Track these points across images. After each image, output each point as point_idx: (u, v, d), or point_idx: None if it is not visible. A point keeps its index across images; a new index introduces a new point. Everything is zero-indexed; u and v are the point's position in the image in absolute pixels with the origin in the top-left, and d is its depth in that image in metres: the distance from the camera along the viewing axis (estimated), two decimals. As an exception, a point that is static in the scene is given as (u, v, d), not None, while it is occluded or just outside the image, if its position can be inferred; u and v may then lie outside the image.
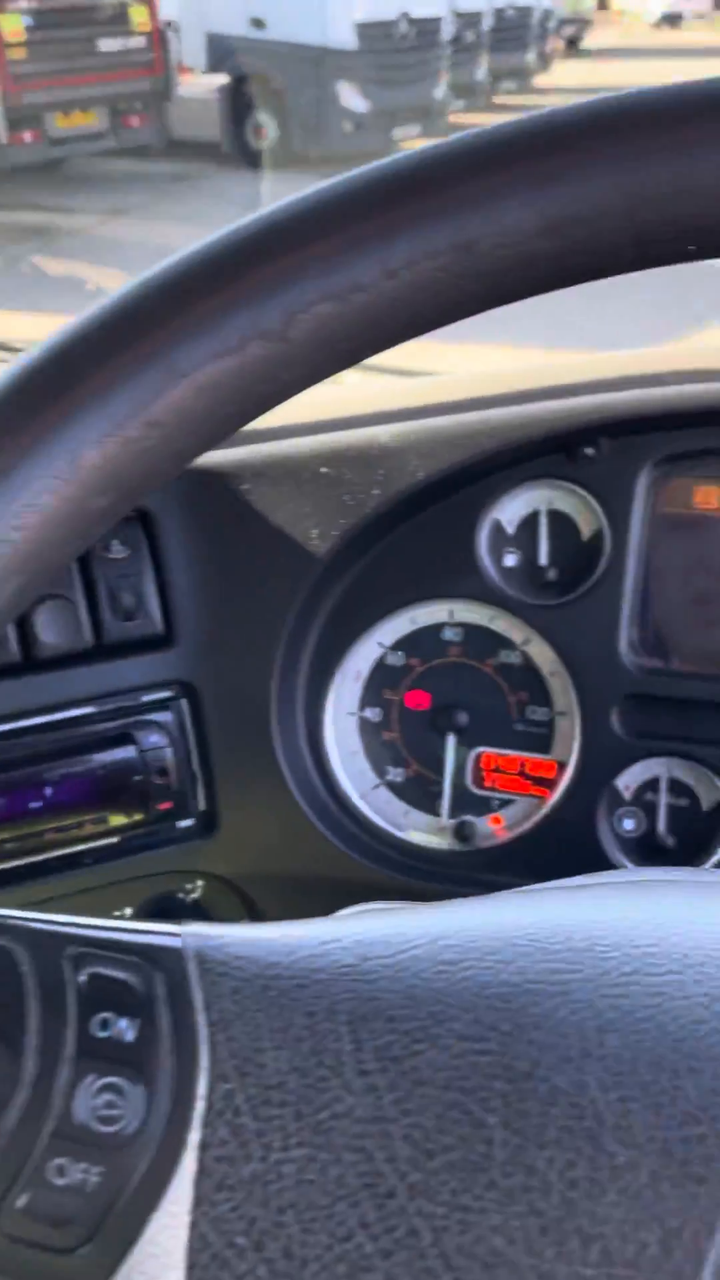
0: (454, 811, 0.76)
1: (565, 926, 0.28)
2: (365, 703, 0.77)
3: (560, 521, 0.72)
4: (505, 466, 0.70)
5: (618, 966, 0.27)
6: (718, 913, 0.29)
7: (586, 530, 0.72)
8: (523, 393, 0.69)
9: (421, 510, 0.71)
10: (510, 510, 0.73)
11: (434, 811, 0.76)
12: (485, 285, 0.33)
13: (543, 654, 0.73)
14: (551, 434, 0.67)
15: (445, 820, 0.76)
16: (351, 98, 7.32)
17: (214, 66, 7.65)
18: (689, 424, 0.67)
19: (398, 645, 0.76)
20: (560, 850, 0.73)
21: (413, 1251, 0.23)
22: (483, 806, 0.75)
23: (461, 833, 0.75)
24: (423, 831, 0.76)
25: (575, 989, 0.26)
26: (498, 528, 0.73)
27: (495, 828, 0.75)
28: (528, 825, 0.74)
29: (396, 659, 0.76)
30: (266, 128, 7.55)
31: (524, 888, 0.35)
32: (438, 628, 0.75)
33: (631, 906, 0.29)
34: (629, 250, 0.32)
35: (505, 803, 0.75)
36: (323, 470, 0.68)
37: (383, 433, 0.68)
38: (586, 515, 0.71)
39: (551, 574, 0.72)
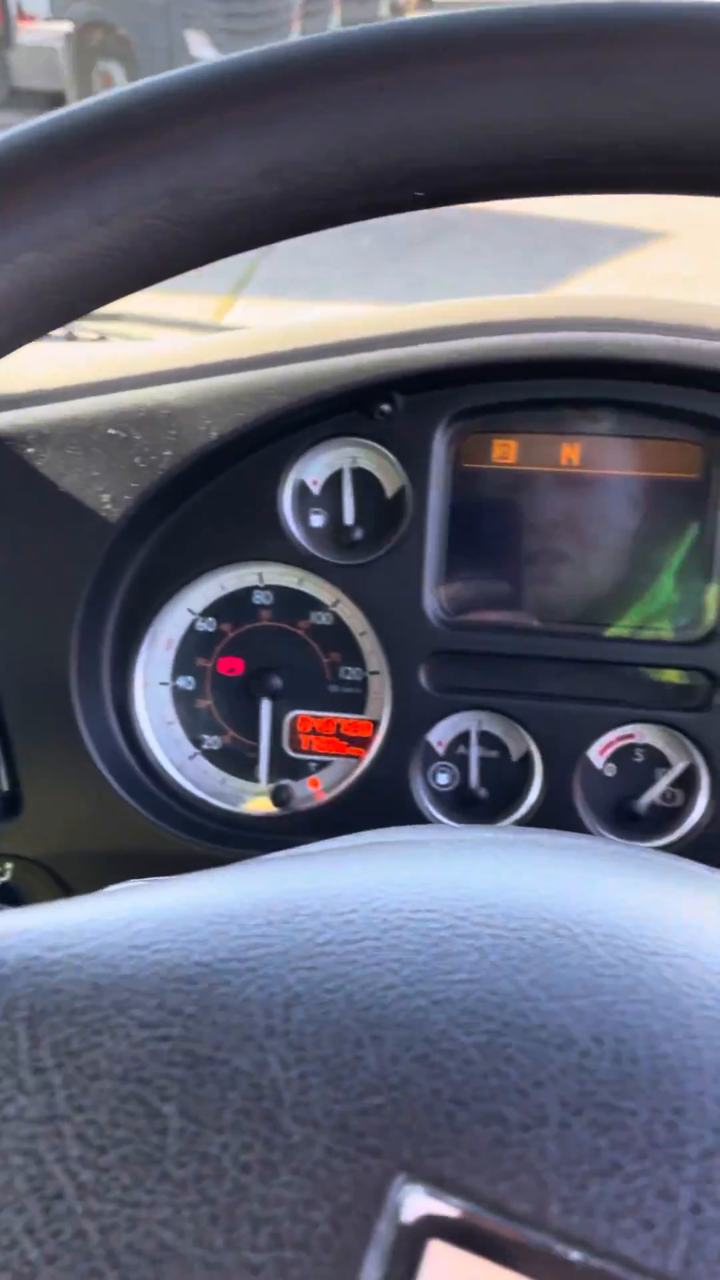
0: (272, 776, 0.75)
1: (269, 899, 0.27)
2: (178, 671, 0.75)
3: (365, 480, 0.71)
4: (303, 425, 0.69)
5: (313, 937, 0.26)
6: (429, 873, 0.28)
7: (390, 488, 0.71)
8: (315, 349, 0.67)
9: (220, 471, 0.69)
10: (314, 469, 0.71)
11: (252, 777, 0.75)
12: (208, 234, 0.31)
13: (353, 614, 0.72)
14: (345, 390, 0.66)
15: (263, 785, 0.75)
16: (201, 48, 7.11)
17: (57, 13, 7.30)
18: (483, 378, 0.67)
19: (208, 611, 0.74)
20: (378, 808, 0.73)
21: (78, 1254, 0.22)
22: (300, 770, 0.75)
23: (279, 797, 0.74)
24: (241, 799, 0.75)
25: (267, 964, 0.25)
26: (302, 488, 0.72)
27: (314, 790, 0.75)
28: (345, 785, 0.74)
29: (208, 625, 0.74)
30: (114, 77, 7.27)
31: (260, 857, 0.34)
32: (248, 592, 0.73)
33: (343, 872, 0.29)
34: (356, 196, 0.31)
35: (323, 764, 0.74)
36: (110, 432, 0.66)
37: (172, 392, 0.66)
38: (389, 473, 0.71)
39: (358, 533, 0.71)
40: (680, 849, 0.69)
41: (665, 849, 0.69)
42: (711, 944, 0.26)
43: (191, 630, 0.74)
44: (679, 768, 0.70)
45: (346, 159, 0.30)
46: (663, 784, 0.71)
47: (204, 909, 0.27)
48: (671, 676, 0.69)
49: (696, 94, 0.28)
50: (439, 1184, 0.21)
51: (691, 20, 0.28)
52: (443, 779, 0.73)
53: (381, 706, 0.72)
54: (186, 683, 0.75)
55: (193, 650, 0.74)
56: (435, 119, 0.29)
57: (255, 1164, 0.22)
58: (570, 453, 0.69)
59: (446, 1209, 0.21)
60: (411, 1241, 0.21)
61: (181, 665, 0.75)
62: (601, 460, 0.69)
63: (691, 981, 0.24)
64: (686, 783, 0.70)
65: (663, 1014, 0.24)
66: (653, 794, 0.71)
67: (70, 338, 1.00)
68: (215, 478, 0.70)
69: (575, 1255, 0.20)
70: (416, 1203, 0.21)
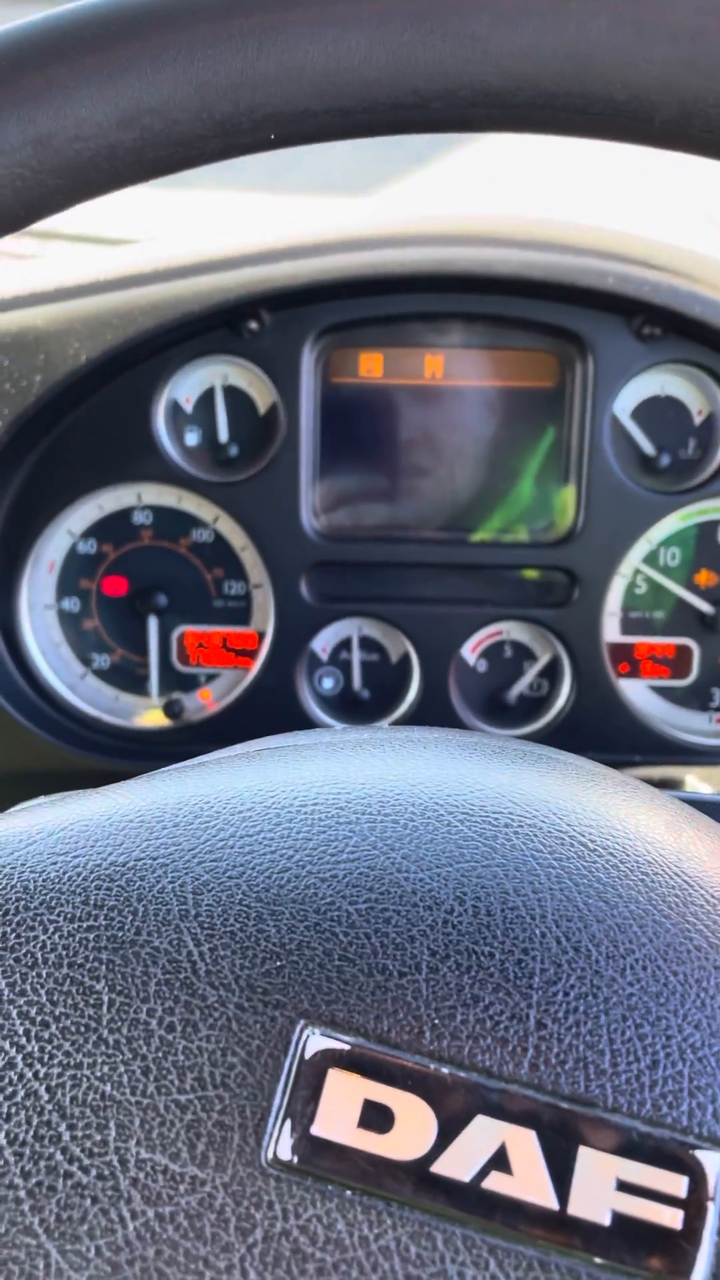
0: (163, 690, 0.77)
1: (174, 804, 0.31)
2: (62, 594, 0.76)
3: (237, 397, 0.73)
4: (173, 344, 0.70)
5: (217, 833, 0.29)
6: (313, 772, 0.32)
7: (262, 404, 0.73)
8: (182, 268, 0.68)
9: (92, 393, 0.70)
10: (186, 388, 0.73)
11: (144, 693, 0.78)
12: (70, 180, 0.32)
13: (233, 530, 0.74)
14: (213, 309, 0.67)
15: (155, 700, 0.78)
16: None
17: None
18: (347, 294, 0.69)
19: (88, 533, 0.75)
20: (267, 715, 0.77)
21: (31, 1110, 0.25)
22: (190, 683, 0.78)
23: (171, 710, 0.77)
24: (134, 714, 0.78)
25: (176, 859, 0.29)
26: (175, 406, 0.73)
27: (205, 701, 0.78)
28: (235, 695, 0.77)
29: (89, 547, 0.75)
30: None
31: (168, 767, 0.37)
32: (127, 512, 0.75)
33: (239, 775, 0.32)
34: (213, 140, 0.33)
35: (212, 676, 0.77)
36: (-22, 358, 0.65)
37: (38, 315, 0.66)
38: (260, 389, 0.72)
39: (233, 450, 0.73)
40: (547, 734, 0.75)
41: (533, 735, 0.76)
42: (554, 812, 0.30)
43: (73, 552, 0.75)
44: (544, 659, 0.76)
45: (201, 106, 0.32)
46: (530, 675, 0.76)
47: (114, 817, 0.30)
48: (534, 575, 0.75)
49: (522, 42, 0.31)
50: (333, 1025, 0.26)
51: None
52: (328, 684, 0.77)
53: (266, 618, 0.75)
54: (71, 604, 0.76)
55: (76, 572, 0.76)
56: (282, 65, 0.31)
57: (178, 1024, 0.26)
58: (434, 365, 0.72)
59: (340, 1045, 0.25)
60: (314, 1073, 0.25)
61: (65, 587, 0.76)
62: (463, 371, 0.72)
63: (537, 845, 0.29)
64: (551, 673, 0.76)
65: (513, 874, 0.28)
66: (521, 685, 0.76)
67: None
68: (88, 399, 0.70)
69: (445, 1070, 0.25)
70: (315, 1042, 0.26)
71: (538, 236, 0.69)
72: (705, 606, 0.74)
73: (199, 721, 0.77)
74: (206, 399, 0.73)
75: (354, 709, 0.77)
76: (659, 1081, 0.25)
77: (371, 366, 0.72)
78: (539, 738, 0.75)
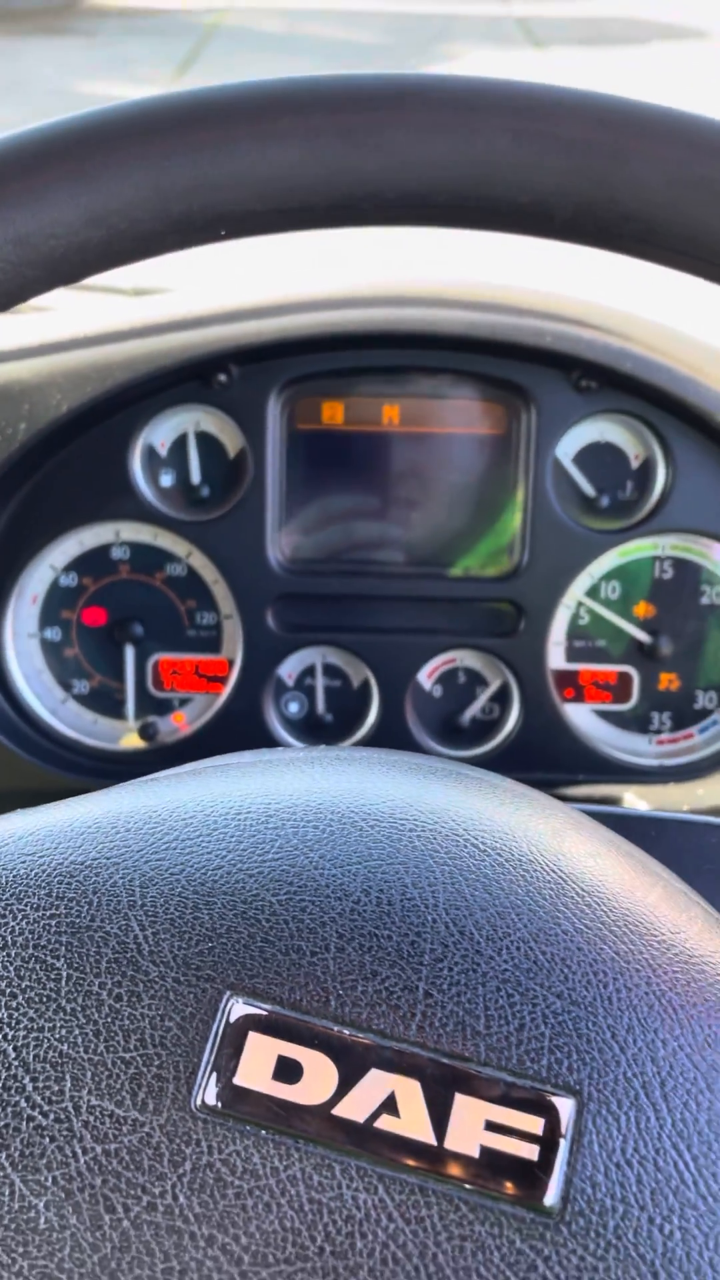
0: (139, 714, 0.83)
1: (127, 812, 0.36)
2: (44, 624, 0.81)
3: (208, 442, 0.78)
4: (148, 394, 0.75)
5: (162, 836, 0.35)
6: (249, 785, 0.38)
7: (232, 449, 0.78)
8: (157, 325, 0.74)
9: (73, 439, 0.75)
10: (161, 433, 0.78)
11: (121, 716, 0.83)
12: (45, 270, 0.38)
13: (204, 565, 0.80)
14: (184, 363, 0.72)
15: (132, 723, 0.83)
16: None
17: None
18: (309, 349, 0.75)
19: (69, 567, 0.80)
20: (237, 736, 0.82)
21: (0, 1066, 0.30)
22: (165, 707, 0.83)
23: (147, 733, 0.82)
24: (112, 736, 0.83)
25: (126, 858, 0.34)
26: (151, 451, 0.78)
27: (178, 724, 0.83)
28: (206, 718, 0.82)
29: (70, 580, 0.81)
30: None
31: (124, 783, 0.43)
32: (106, 548, 0.80)
33: (184, 788, 0.38)
34: (171, 236, 0.38)
35: (185, 701, 0.83)
36: (-33, 408, 0.71)
37: (24, 368, 0.71)
38: (230, 435, 0.78)
39: (205, 491, 0.79)
40: (497, 755, 0.81)
41: (484, 756, 0.81)
42: (452, 819, 0.36)
43: (55, 585, 0.81)
44: (495, 685, 0.81)
45: (160, 207, 0.37)
46: (481, 700, 0.82)
47: (75, 823, 0.35)
48: (487, 607, 0.80)
49: (436, 156, 0.36)
50: (254, 995, 0.31)
51: (427, 92, 0.36)
52: (293, 708, 0.83)
53: (235, 647, 0.81)
54: (53, 634, 0.81)
55: (57, 604, 0.81)
56: (229, 173, 0.37)
57: (124, 995, 0.31)
58: (390, 413, 0.78)
59: (259, 1011, 0.31)
60: (236, 1034, 0.30)
61: (48, 618, 0.81)
62: (418, 419, 0.78)
63: (434, 846, 0.34)
64: (501, 698, 0.82)
65: (412, 870, 0.33)
66: (473, 709, 0.82)
67: None
68: (69, 445, 0.76)
69: (346, 1032, 0.30)
70: (239, 1009, 0.31)
71: (483, 297, 0.75)
72: (644, 636, 0.80)
73: (173, 743, 0.82)
74: (180, 444, 0.78)
75: (318, 731, 0.82)
76: (524, 1041, 0.30)
77: (333, 414, 0.78)
78: (490, 758, 0.81)
